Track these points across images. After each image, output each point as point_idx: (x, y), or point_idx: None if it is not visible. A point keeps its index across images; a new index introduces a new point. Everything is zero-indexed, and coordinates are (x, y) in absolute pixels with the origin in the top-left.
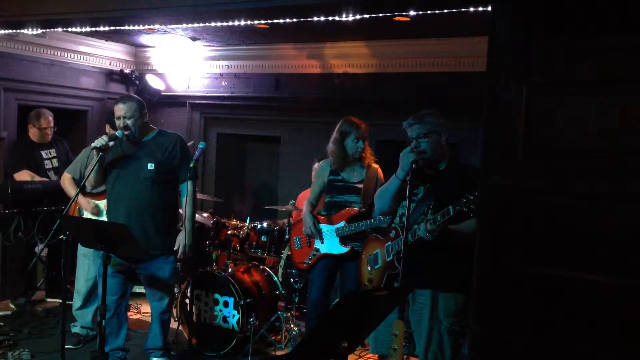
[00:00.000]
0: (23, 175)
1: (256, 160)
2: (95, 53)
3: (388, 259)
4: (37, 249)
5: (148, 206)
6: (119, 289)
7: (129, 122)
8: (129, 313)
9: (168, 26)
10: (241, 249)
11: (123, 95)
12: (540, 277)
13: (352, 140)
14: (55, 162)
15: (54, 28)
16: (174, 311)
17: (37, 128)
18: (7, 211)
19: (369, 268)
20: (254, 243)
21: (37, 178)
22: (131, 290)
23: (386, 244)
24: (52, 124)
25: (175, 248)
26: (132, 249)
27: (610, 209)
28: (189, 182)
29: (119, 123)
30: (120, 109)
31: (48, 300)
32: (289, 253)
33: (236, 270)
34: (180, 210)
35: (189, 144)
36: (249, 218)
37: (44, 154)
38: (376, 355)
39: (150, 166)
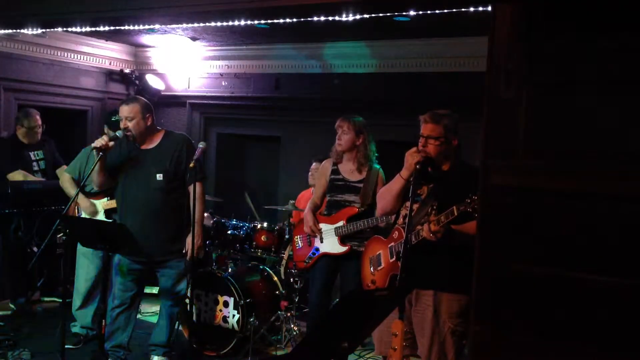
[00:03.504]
0: (17, 176)
1: (256, 160)
2: (95, 53)
3: (391, 260)
4: (36, 249)
5: (161, 215)
6: (135, 286)
7: (130, 124)
8: None
9: (168, 26)
10: (241, 249)
11: (130, 96)
12: (541, 277)
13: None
14: (42, 164)
15: (54, 28)
16: None
17: (25, 128)
18: (7, 211)
19: (371, 269)
20: (254, 243)
21: (31, 177)
22: (144, 289)
23: (389, 245)
24: (39, 122)
25: (184, 250)
26: (132, 248)
27: (610, 209)
28: (197, 184)
29: (121, 124)
30: (123, 110)
31: (45, 299)
32: (290, 252)
33: (236, 270)
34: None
35: None
36: (249, 217)
37: (32, 155)
38: (381, 357)
39: (159, 177)
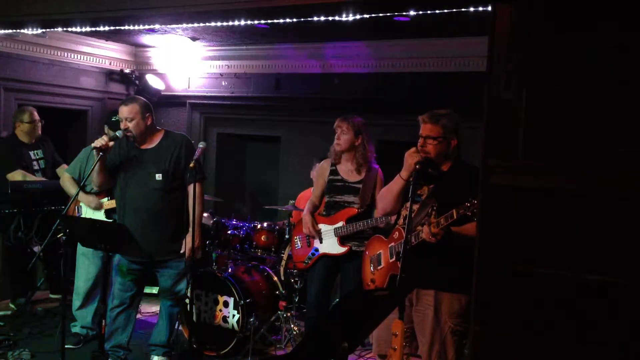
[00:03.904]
0: (16, 176)
1: (256, 160)
2: (95, 53)
3: (391, 260)
4: (36, 249)
5: (160, 215)
6: (134, 286)
7: (130, 124)
8: None
9: (168, 26)
10: (241, 249)
11: (129, 96)
12: (540, 277)
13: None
14: (42, 164)
15: (54, 28)
16: None
17: (25, 123)
18: (7, 211)
19: (371, 268)
20: (254, 243)
21: (30, 177)
22: (144, 289)
23: (389, 245)
24: (37, 117)
25: (182, 251)
26: (132, 248)
27: (610, 209)
28: (196, 184)
29: (121, 124)
30: (122, 111)
31: (52, 296)
32: (290, 253)
33: (236, 270)
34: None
35: None
36: (249, 217)
37: (31, 154)
38: (377, 355)
39: (158, 177)
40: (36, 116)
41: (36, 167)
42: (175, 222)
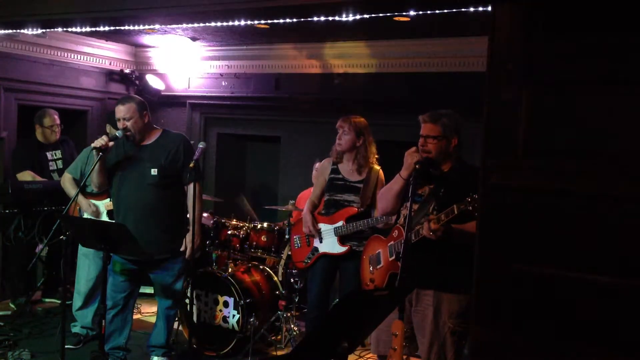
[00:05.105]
0: (25, 176)
1: (256, 160)
2: (95, 53)
3: (390, 259)
4: (37, 249)
5: (155, 212)
6: (128, 287)
7: (128, 123)
8: None
9: (168, 26)
10: (241, 249)
11: (124, 96)
12: (541, 277)
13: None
14: (59, 164)
15: (54, 28)
16: None
17: (43, 127)
18: (7, 211)
19: (370, 268)
20: (254, 243)
21: (39, 179)
22: (139, 289)
23: (389, 244)
24: (57, 122)
25: (182, 249)
26: (133, 249)
27: (610, 209)
28: (195, 183)
29: (119, 124)
30: (119, 110)
31: (45, 300)
32: (289, 253)
33: (236, 270)
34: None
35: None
36: (248, 218)
37: (49, 155)
38: (376, 356)
39: (154, 172)
40: (56, 121)
41: (53, 168)
42: (171, 220)
